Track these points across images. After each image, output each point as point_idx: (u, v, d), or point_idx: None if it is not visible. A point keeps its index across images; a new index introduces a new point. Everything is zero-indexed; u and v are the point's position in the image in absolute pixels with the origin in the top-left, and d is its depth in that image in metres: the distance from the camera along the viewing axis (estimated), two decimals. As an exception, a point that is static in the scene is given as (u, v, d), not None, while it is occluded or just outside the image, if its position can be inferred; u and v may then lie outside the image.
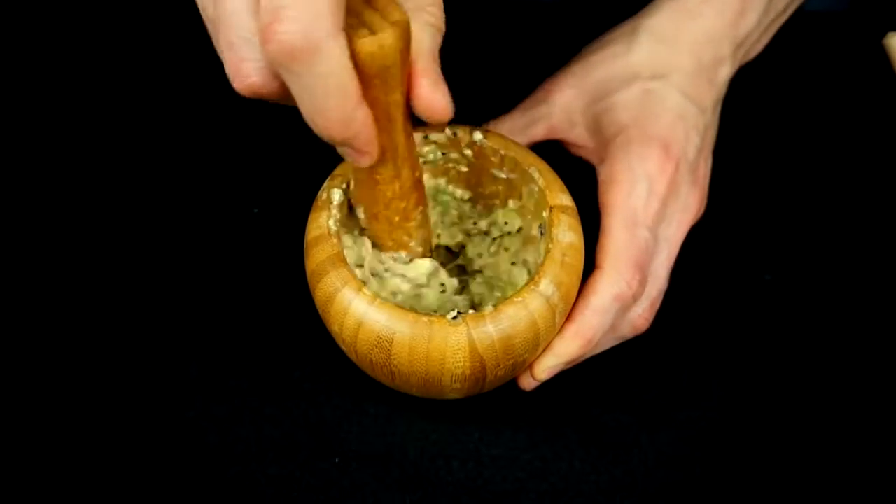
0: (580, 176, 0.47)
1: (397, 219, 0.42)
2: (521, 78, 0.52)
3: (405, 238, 0.43)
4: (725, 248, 0.52)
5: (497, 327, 0.40)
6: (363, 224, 0.44)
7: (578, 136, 0.49)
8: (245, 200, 0.53)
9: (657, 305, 0.46)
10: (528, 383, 0.44)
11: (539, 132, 0.50)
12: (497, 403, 0.46)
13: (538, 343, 0.41)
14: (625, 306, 0.44)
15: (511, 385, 0.44)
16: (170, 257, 0.51)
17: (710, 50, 0.49)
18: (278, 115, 0.55)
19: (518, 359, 0.41)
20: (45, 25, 0.59)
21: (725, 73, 0.50)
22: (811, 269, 0.52)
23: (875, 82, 0.58)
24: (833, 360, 0.49)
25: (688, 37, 0.49)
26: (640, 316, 0.45)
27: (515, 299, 0.40)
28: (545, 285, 0.41)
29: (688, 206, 0.47)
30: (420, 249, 0.44)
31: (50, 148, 0.54)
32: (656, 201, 0.45)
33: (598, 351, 0.45)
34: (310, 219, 0.43)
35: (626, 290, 0.43)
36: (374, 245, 0.44)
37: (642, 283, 0.44)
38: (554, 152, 0.47)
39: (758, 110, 0.52)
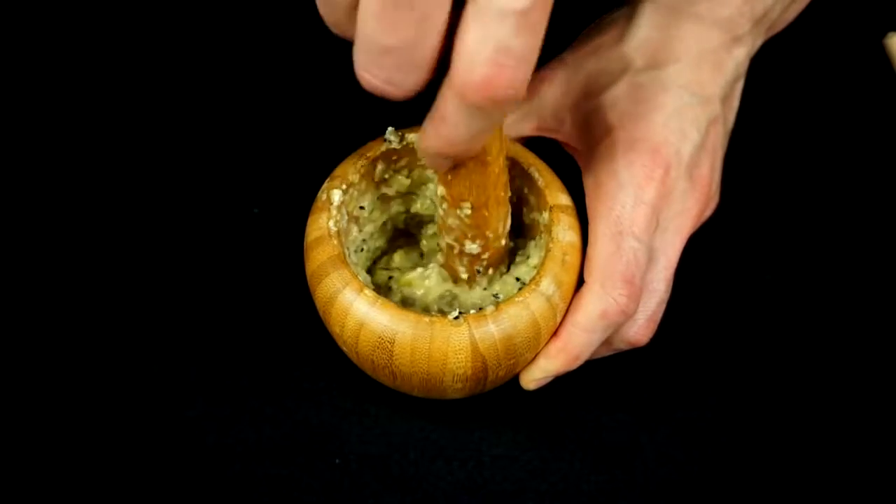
0: (580, 176, 0.46)
1: (502, 194, 0.40)
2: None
3: (505, 210, 0.41)
4: (725, 247, 0.52)
5: (499, 327, 0.40)
6: (460, 229, 0.41)
7: (568, 135, 0.46)
8: (245, 200, 0.53)
9: (657, 318, 0.44)
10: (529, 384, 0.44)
11: (527, 129, 0.47)
12: (497, 403, 0.46)
13: (539, 342, 0.41)
14: (614, 322, 0.42)
15: (511, 385, 0.44)
16: (169, 257, 0.51)
17: (719, 31, 0.45)
18: (279, 115, 0.56)
19: (519, 358, 0.41)
20: (45, 25, 0.58)
21: (742, 52, 0.46)
22: (811, 269, 0.52)
23: (875, 82, 0.58)
24: (833, 360, 0.49)
25: (692, 17, 0.45)
26: (636, 332, 0.43)
27: (516, 299, 0.40)
28: (546, 285, 0.41)
29: (686, 210, 0.44)
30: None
31: (49, 148, 0.54)
32: (645, 209, 0.42)
33: (594, 358, 0.44)
34: (310, 220, 0.43)
35: (614, 306, 0.41)
36: (476, 238, 0.42)
37: (633, 297, 0.41)
38: (554, 152, 0.47)
39: (757, 110, 0.52)
